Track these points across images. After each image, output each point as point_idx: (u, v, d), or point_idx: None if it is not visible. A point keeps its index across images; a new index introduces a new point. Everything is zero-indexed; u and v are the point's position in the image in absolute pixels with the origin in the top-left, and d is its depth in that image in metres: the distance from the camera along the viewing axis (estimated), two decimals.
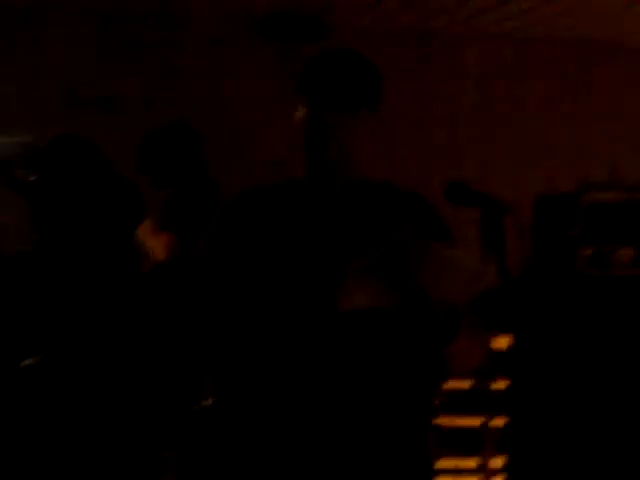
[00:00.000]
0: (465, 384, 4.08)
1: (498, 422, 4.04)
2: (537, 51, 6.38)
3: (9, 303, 2.37)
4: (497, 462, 4.05)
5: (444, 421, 4.08)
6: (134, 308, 2.42)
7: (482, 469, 4.08)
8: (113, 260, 2.52)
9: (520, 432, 4.02)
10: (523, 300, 3.85)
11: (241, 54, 6.11)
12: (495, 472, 4.05)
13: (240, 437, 2.21)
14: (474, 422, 4.09)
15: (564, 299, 3.80)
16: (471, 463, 4.13)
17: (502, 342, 3.98)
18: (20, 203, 2.55)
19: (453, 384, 4.05)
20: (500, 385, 4.06)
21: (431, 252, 2.01)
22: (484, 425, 4.04)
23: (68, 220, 2.40)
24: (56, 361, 2.35)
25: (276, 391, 2.14)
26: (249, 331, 2.15)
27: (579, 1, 5.30)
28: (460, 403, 4.14)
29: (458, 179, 2.07)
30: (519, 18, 5.88)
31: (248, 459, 2.20)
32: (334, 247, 2.10)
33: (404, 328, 2.13)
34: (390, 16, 6.03)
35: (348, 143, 2.11)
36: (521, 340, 3.96)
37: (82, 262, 2.45)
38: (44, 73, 5.84)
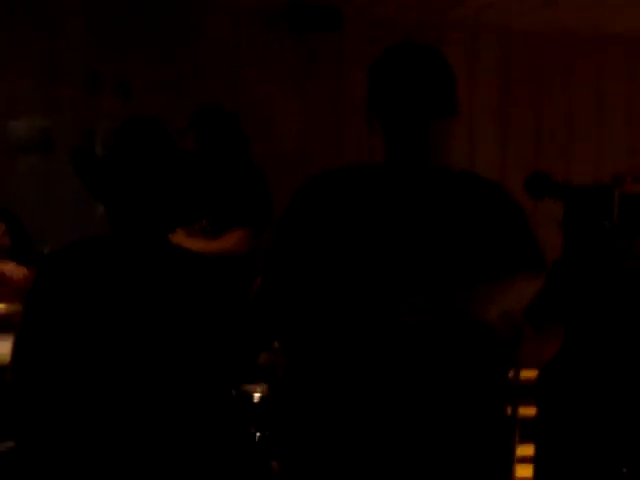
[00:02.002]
0: None
1: (528, 411, 4.07)
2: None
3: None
4: (527, 451, 4.07)
5: None
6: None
7: None
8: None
9: (550, 422, 4.04)
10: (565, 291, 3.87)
11: (260, 43, 6.12)
12: (524, 460, 4.08)
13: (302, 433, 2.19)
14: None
15: (599, 290, 3.83)
16: None
17: None
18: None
19: None
20: (530, 374, 4.08)
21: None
22: (514, 414, 4.06)
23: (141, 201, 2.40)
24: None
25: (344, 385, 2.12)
26: (318, 324, 2.14)
27: None
28: None
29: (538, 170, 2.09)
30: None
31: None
32: (414, 247, 2.09)
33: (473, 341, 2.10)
34: (407, 6, 6.04)
35: (443, 142, 2.12)
36: None
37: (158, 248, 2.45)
38: (62, 58, 5.83)
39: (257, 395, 3.75)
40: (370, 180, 2.18)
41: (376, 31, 6.04)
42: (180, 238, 2.83)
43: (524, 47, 6.45)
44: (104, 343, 2.37)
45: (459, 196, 2.16)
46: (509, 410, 4.11)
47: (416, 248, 2.09)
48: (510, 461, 2.28)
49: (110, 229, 2.46)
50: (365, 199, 2.15)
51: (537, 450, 4.10)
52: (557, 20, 6.15)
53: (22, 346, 2.42)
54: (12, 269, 4.36)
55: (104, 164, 2.41)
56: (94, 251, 2.44)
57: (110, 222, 2.45)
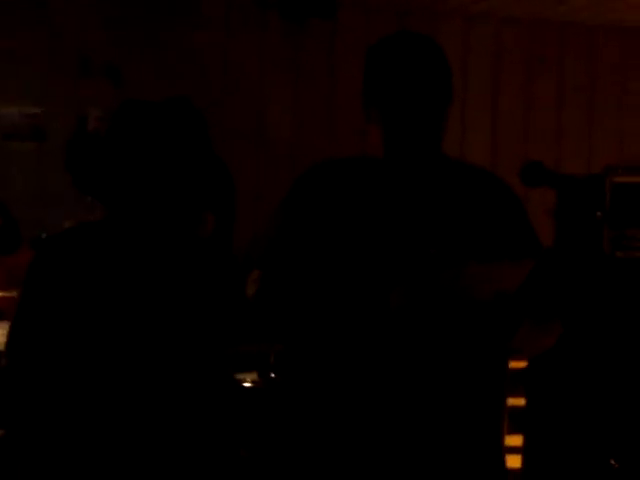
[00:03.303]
0: None
1: (517, 401, 4.08)
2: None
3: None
4: (515, 441, 4.08)
5: None
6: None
7: None
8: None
9: (539, 412, 4.06)
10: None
11: (251, 31, 6.09)
12: (513, 451, 4.08)
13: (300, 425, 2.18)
14: None
15: (590, 281, 3.83)
16: None
17: None
18: None
19: None
20: (519, 364, 4.08)
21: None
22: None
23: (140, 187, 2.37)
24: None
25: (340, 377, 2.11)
26: (315, 316, 2.13)
27: None
28: None
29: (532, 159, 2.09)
30: None
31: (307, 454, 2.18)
32: (409, 235, 2.09)
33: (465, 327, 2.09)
34: None
35: (442, 129, 2.13)
36: None
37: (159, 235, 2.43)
38: (54, 43, 5.80)
39: (247, 384, 3.75)
40: (370, 171, 2.18)
41: (369, 19, 6.02)
42: None
43: (517, 36, 6.44)
44: (101, 328, 2.35)
45: (457, 184, 2.16)
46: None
47: (410, 236, 2.09)
48: (502, 450, 2.27)
49: (106, 214, 2.44)
50: (365, 191, 2.15)
51: (526, 440, 4.11)
52: (551, 9, 6.14)
53: (19, 330, 2.39)
54: None
55: (100, 153, 2.40)
56: (91, 236, 2.42)
57: (107, 207, 2.43)
